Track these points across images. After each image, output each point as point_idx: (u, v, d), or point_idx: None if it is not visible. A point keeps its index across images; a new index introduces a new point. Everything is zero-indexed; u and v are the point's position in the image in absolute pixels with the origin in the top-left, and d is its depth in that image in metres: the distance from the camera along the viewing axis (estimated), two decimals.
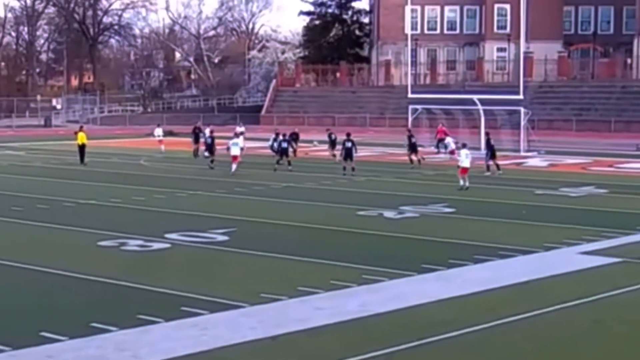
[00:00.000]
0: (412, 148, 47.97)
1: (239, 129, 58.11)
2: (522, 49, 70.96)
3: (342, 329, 15.76)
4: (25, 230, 26.73)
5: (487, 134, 47.27)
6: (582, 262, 21.95)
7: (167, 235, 24.97)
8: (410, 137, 48.61)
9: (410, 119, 63.69)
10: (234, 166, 42.56)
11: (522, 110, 60.43)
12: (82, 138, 48.73)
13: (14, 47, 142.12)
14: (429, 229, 26.79)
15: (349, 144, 42.83)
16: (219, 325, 15.86)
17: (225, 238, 24.87)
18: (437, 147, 58.10)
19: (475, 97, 63.88)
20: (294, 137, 53.48)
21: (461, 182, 36.86)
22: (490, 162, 44.17)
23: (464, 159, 37.55)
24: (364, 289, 18.68)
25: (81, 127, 54.80)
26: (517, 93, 60.73)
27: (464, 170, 37.24)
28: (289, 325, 15.81)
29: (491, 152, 44.51)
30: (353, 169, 42.33)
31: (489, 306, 17.38)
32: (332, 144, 51.05)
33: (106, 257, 22.40)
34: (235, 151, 43.07)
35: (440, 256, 22.09)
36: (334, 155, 48.67)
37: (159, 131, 59.46)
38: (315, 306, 17.20)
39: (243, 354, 14.40)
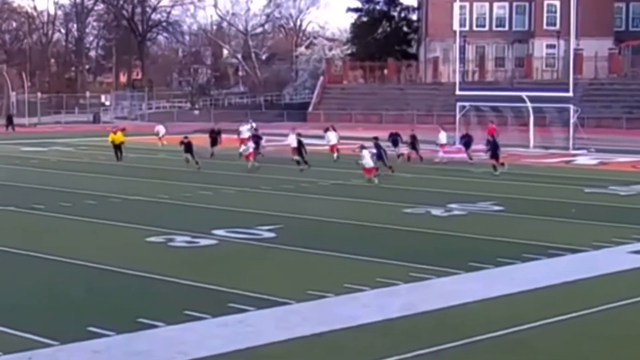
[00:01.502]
0: (413, 147, 47.61)
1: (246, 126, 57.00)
2: (572, 46, 70.33)
3: (388, 327, 15.71)
4: (73, 225, 26.94)
5: (492, 133, 46.57)
6: (632, 261, 21.70)
7: (214, 232, 25.05)
8: (413, 136, 48.17)
9: (457, 116, 63.38)
10: (250, 163, 42.93)
11: (572, 107, 59.90)
12: (120, 137, 49.04)
13: (64, 43, 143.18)
14: (476, 227, 26.62)
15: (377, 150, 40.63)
16: (265, 321, 15.87)
17: (272, 235, 24.90)
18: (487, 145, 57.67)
19: (524, 94, 63.45)
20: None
21: (375, 181, 37.30)
22: (493, 161, 42.93)
23: (368, 159, 37.45)
24: (411, 287, 18.61)
25: (124, 128, 55.19)
26: (567, 90, 60.21)
27: (369, 170, 37.44)
28: (334, 322, 15.77)
29: (492, 151, 43.28)
30: (391, 169, 40.72)
31: (536, 306, 17.24)
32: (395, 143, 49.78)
33: (154, 253, 22.52)
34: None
35: (487, 255, 21.95)
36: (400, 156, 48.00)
37: (160, 129, 59.81)
38: (361, 304, 17.16)
39: (288, 351, 14.39)
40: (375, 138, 41.92)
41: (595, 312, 16.74)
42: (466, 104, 64.69)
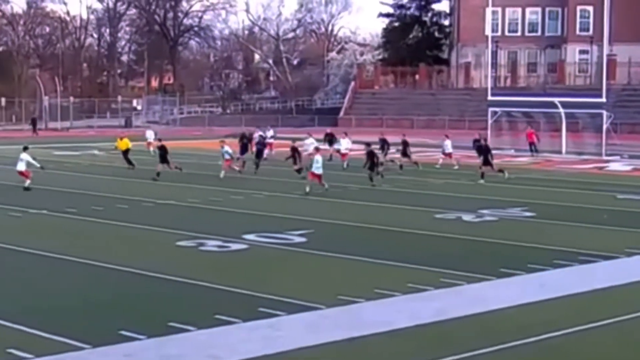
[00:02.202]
0: (404, 153, 46.75)
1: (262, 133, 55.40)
2: (605, 52, 69.99)
3: (419, 332, 15.65)
4: (105, 229, 27.04)
5: (476, 140, 45.92)
6: None
7: (244, 236, 25.07)
8: (404, 142, 47.18)
9: (489, 122, 63.18)
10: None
11: (605, 113, 59.56)
12: (126, 144, 48.34)
13: (96, 48, 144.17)
14: (508, 232, 26.51)
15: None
16: (296, 326, 15.85)
17: (303, 239, 24.88)
18: (531, 150, 57.59)
19: (556, 99, 63.14)
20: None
21: (307, 189, 35.16)
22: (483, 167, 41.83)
23: (315, 165, 35.54)
24: (442, 293, 18.54)
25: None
26: (600, 96, 59.85)
27: (316, 175, 35.59)
28: (365, 327, 15.73)
29: (483, 156, 42.24)
30: (380, 175, 39.05)
31: (568, 312, 17.12)
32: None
33: (185, 257, 22.56)
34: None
35: (519, 261, 21.83)
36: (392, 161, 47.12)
37: (150, 134, 58.94)
38: (392, 309, 17.11)
39: (319, 356, 14.36)
40: (368, 144, 40.26)
41: (628, 319, 16.60)
42: (498, 109, 64.49)
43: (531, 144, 57.81)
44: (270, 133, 58.47)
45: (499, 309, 17.25)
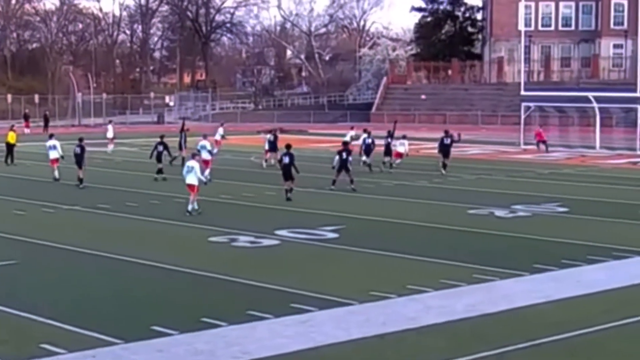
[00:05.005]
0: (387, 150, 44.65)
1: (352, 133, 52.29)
2: None
3: (451, 328, 15.59)
4: (138, 225, 27.16)
5: (445, 131, 45.24)
6: None
7: (277, 232, 25.08)
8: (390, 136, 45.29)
9: (522, 117, 62.86)
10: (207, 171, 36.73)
11: (639, 108, 59.05)
12: (11, 137, 47.40)
13: (129, 45, 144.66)
14: (541, 228, 26.35)
15: (287, 159, 33.00)
16: (328, 322, 15.83)
17: (335, 235, 24.87)
18: (538, 146, 56.98)
19: (590, 94, 62.71)
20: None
21: (190, 207, 28.95)
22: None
23: (188, 174, 29.26)
24: (474, 289, 18.46)
25: (12, 126, 52.20)
26: (634, 90, 59.38)
27: (193, 187, 29.11)
28: (397, 323, 15.70)
29: (443, 152, 42.66)
30: (290, 191, 32.94)
31: (602, 308, 17.01)
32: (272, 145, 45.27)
33: (217, 253, 22.61)
34: (205, 155, 38.31)
35: (552, 256, 21.71)
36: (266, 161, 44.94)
37: (110, 130, 57.92)
38: (424, 305, 17.06)
39: (351, 352, 14.34)
40: (346, 143, 37.54)
41: None
42: (531, 104, 64.16)
43: (539, 141, 56.97)
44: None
45: (532, 305, 17.16)
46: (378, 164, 42.76)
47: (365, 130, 46.20)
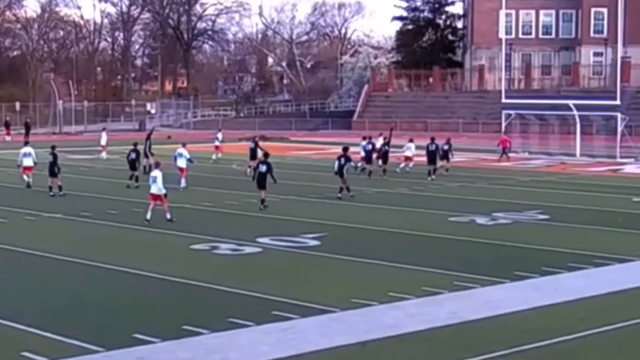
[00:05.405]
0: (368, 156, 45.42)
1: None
2: (620, 54, 69.76)
3: (433, 336, 15.64)
4: (119, 233, 27.12)
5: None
6: None
7: (258, 240, 25.10)
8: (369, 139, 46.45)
9: (503, 125, 63.07)
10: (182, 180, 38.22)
11: (619, 115, 59.38)
12: None
13: (110, 52, 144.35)
14: (522, 235, 26.45)
15: (263, 168, 32.62)
16: (309, 329, 15.86)
17: (317, 243, 24.90)
18: (503, 153, 55.73)
19: (570, 102, 63.00)
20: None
21: (148, 214, 28.61)
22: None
23: (153, 184, 29.02)
24: (456, 296, 18.53)
25: None
26: (614, 98, 59.71)
27: (156, 197, 28.87)
28: (378, 331, 15.74)
29: (433, 157, 44.14)
30: (263, 202, 32.35)
31: (582, 315, 17.09)
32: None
33: (198, 261, 22.61)
34: (180, 163, 38.66)
35: (533, 264, 21.80)
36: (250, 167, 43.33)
37: (103, 137, 57.76)
38: (405, 312, 17.11)
39: (332, 359, 14.37)
40: (345, 149, 36.31)
41: None
42: (512, 112, 64.39)
43: (504, 149, 56.04)
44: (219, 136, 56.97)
45: (512, 312, 17.24)
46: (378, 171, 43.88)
47: (364, 138, 46.75)
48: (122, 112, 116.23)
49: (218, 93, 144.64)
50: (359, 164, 44.88)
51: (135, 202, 33.40)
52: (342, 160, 35.31)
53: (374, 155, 45.21)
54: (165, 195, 29.12)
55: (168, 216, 28.64)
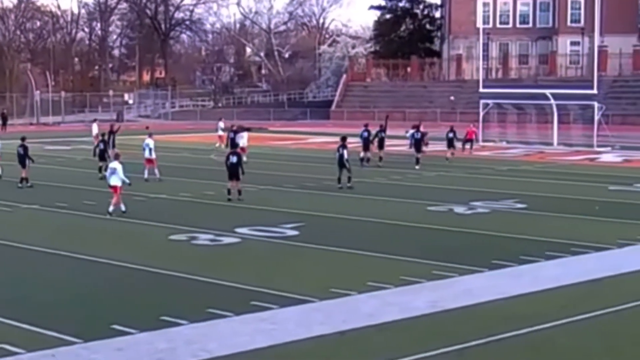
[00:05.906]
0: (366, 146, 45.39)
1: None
2: (597, 43, 70.01)
3: (412, 324, 15.68)
4: (96, 224, 27.02)
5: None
6: None
7: (237, 230, 25.08)
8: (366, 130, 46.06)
9: (481, 114, 63.18)
10: (155, 171, 38.00)
11: (596, 104, 59.61)
12: None
13: (87, 42, 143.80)
14: (500, 224, 26.56)
15: (234, 159, 32.15)
16: (288, 319, 15.87)
17: (295, 233, 24.90)
18: (463, 146, 54.85)
19: (547, 91, 63.18)
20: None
21: (112, 208, 28.19)
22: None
23: (111, 175, 28.71)
24: (434, 285, 18.57)
25: None
26: (591, 87, 59.86)
27: (115, 188, 28.51)
28: (358, 320, 15.76)
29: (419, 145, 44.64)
30: (240, 192, 32.09)
31: (560, 303, 17.17)
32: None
33: (177, 251, 22.57)
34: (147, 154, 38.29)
35: (511, 252, 21.89)
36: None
37: (94, 128, 56.72)
38: (384, 302, 17.14)
39: (311, 349, 14.39)
40: (344, 139, 36.11)
41: (620, 310, 16.66)
42: (490, 101, 64.51)
43: (469, 140, 55.43)
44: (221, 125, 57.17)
45: (490, 300, 17.30)
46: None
47: (365, 126, 46.53)
48: (100, 103, 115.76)
49: (196, 83, 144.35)
50: (361, 154, 44.33)
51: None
52: (341, 149, 35.01)
53: (374, 145, 45.20)
54: (130, 184, 28.94)
55: (115, 208, 28.19)
